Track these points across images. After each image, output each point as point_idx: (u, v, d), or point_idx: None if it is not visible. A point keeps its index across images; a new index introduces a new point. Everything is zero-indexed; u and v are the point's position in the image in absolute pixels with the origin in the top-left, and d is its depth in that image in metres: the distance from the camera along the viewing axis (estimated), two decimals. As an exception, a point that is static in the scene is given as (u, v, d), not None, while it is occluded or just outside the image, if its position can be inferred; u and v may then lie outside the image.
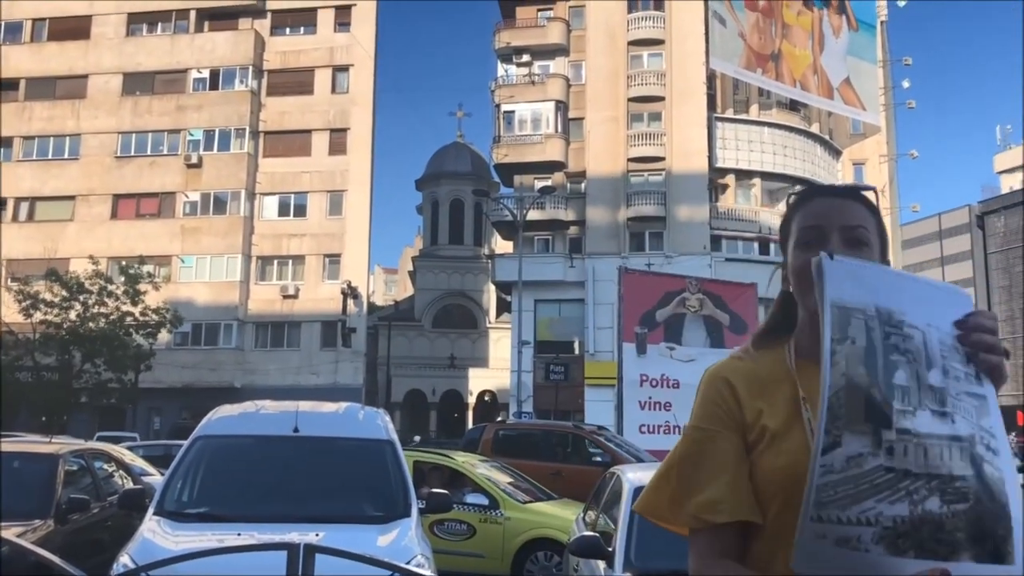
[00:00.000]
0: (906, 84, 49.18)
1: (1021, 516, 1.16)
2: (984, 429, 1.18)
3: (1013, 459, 1.19)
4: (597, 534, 5.50)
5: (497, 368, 51.51)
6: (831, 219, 1.50)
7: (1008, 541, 1.15)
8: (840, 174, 46.01)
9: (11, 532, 5.65)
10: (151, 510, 5.62)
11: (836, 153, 45.77)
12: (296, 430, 6.11)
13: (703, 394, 1.55)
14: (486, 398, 53.60)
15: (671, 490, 1.49)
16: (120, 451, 13.50)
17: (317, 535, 4.89)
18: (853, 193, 1.56)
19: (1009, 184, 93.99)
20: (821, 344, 1.21)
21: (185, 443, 6.35)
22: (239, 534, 4.97)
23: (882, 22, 49.45)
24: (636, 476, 5.79)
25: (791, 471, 1.31)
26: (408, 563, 4.87)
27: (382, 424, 6.55)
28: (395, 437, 6.42)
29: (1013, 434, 56.53)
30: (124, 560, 4.96)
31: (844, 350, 1.19)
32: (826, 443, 1.16)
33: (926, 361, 1.19)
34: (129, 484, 8.64)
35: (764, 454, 1.41)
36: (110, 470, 9.00)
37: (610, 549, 5.06)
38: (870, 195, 1.57)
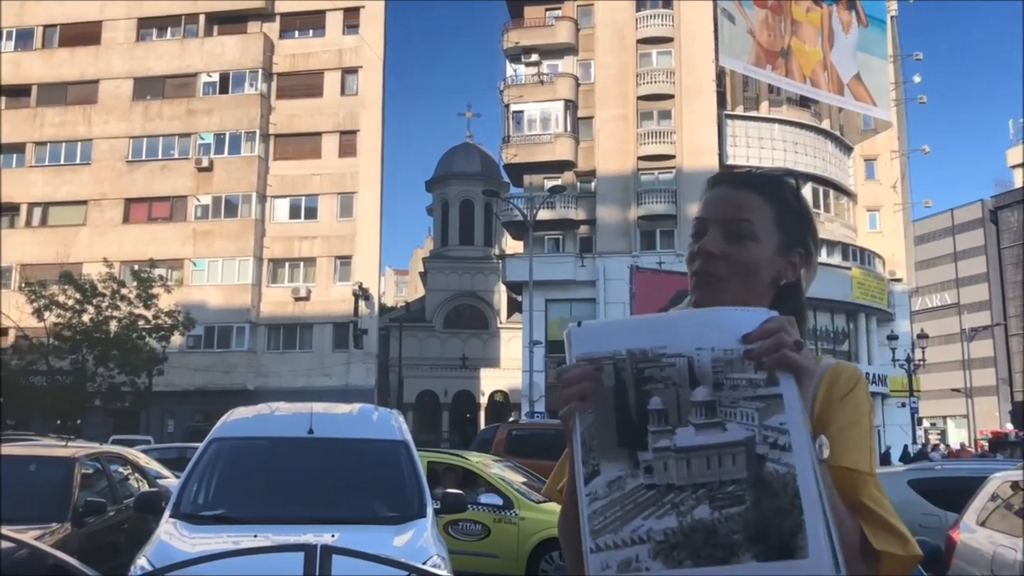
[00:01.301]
0: (917, 79, 48.91)
1: (819, 507, 1.16)
2: (770, 428, 1.19)
3: (814, 449, 1.22)
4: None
5: (509, 368, 51.50)
6: (714, 211, 1.48)
7: (798, 535, 1.15)
8: (852, 170, 45.84)
9: (29, 535, 5.68)
10: (167, 512, 5.63)
11: (847, 149, 45.60)
12: (311, 431, 6.12)
13: None
14: (498, 398, 53.60)
15: (558, 468, 1.58)
16: (135, 454, 13.56)
17: (333, 536, 4.89)
18: (752, 183, 1.52)
19: (1022, 178, 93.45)
20: None
21: (200, 445, 6.37)
22: (255, 536, 4.98)
23: (892, 17, 49.22)
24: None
25: None
26: (424, 563, 4.87)
27: (396, 425, 6.55)
28: (409, 438, 6.42)
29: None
30: (141, 563, 4.97)
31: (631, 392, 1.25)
32: (586, 473, 1.21)
33: (690, 382, 1.22)
34: (145, 487, 8.68)
35: None
36: (126, 473, 9.04)
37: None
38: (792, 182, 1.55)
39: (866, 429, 1.39)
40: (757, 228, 1.45)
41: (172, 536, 5.28)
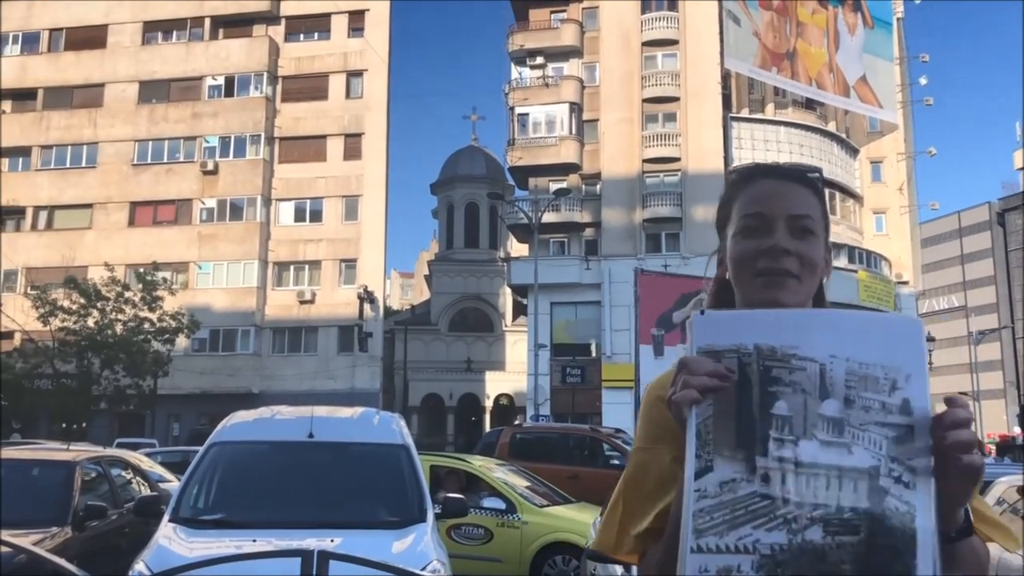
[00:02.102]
0: (923, 81, 48.76)
1: (931, 554, 1.10)
2: (897, 460, 1.13)
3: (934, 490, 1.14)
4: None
5: (514, 371, 51.47)
6: (777, 206, 1.40)
7: None
8: (858, 172, 45.71)
9: (29, 540, 5.65)
10: (166, 517, 5.61)
11: (853, 151, 45.47)
12: (311, 435, 6.09)
13: (642, 414, 1.46)
14: (503, 401, 53.56)
15: (619, 517, 1.40)
16: (138, 457, 13.56)
17: (332, 541, 4.87)
18: (800, 177, 1.45)
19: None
20: None
21: (200, 449, 6.34)
22: (254, 540, 4.95)
23: (898, 19, 49.09)
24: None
25: None
26: (424, 568, 4.83)
27: (397, 429, 6.52)
28: (410, 441, 6.39)
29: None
30: (139, 567, 4.94)
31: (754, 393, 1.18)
32: (698, 467, 1.15)
33: (820, 391, 1.16)
34: (146, 491, 8.66)
35: None
36: (128, 477, 9.02)
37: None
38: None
39: None
40: (815, 224, 1.40)
41: (171, 540, 5.25)
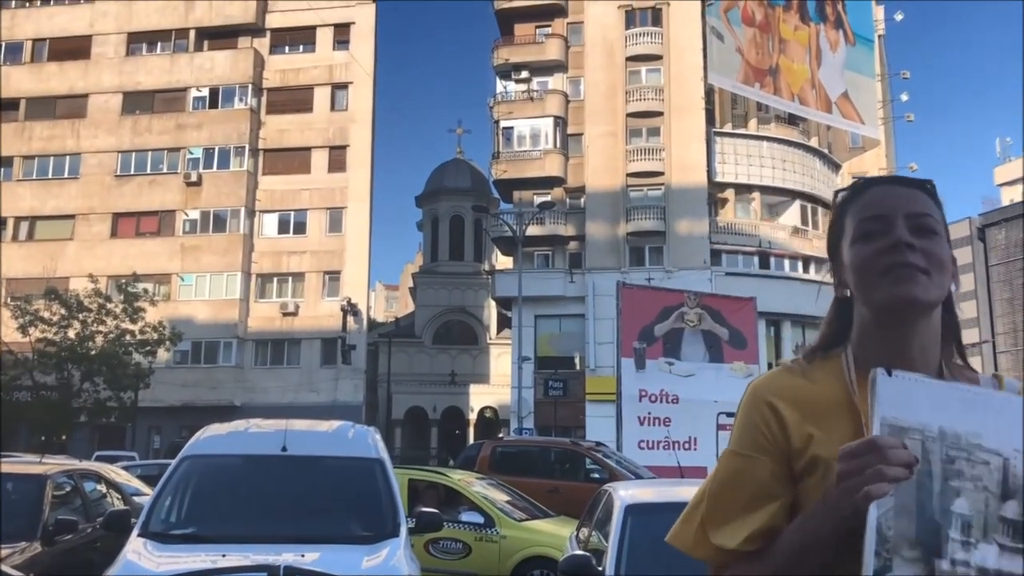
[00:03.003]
0: (904, 97, 49.30)
1: None
2: None
3: None
4: (588, 553, 5.41)
5: (498, 384, 51.36)
6: (895, 206, 1.34)
7: None
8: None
9: (-5, 554, 5.57)
10: (136, 531, 5.54)
11: (835, 167, 45.81)
12: (284, 449, 6.04)
13: (744, 416, 1.37)
14: (487, 414, 53.41)
15: (701, 518, 1.34)
16: (115, 471, 13.41)
17: (303, 556, 4.82)
18: (914, 181, 1.41)
19: (1010, 196, 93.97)
20: None
21: (172, 463, 6.28)
22: (224, 555, 4.89)
23: (879, 36, 49.60)
24: (628, 493, 5.70)
25: None
26: (395, 584, 4.79)
27: (372, 442, 6.47)
28: (385, 455, 6.34)
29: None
30: (106, 582, 4.88)
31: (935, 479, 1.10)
32: (877, 566, 1.06)
33: (1002, 490, 1.08)
34: (121, 505, 8.56)
35: (817, 486, 1.25)
36: (102, 491, 8.91)
37: (600, 568, 4.97)
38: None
39: None
40: (937, 224, 1.34)
41: (139, 555, 5.18)
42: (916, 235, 1.32)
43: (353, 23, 45.94)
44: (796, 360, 1.42)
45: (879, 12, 49.91)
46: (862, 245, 1.34)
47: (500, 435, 36.24)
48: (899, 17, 50.01)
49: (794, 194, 41.85)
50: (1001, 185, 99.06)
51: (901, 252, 1.30)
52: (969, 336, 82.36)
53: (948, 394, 1.13)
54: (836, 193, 1.49)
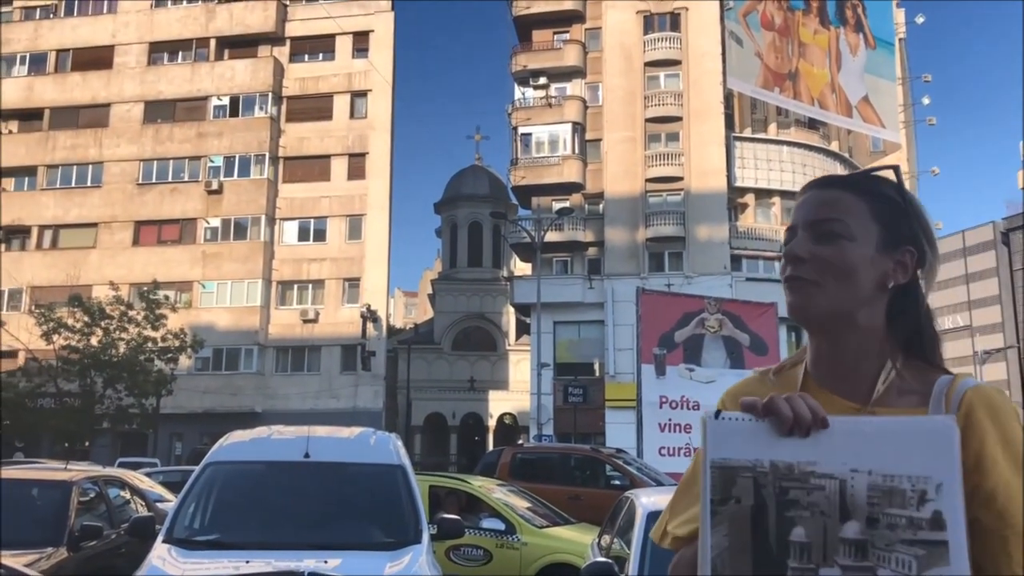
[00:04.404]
0: (926, 101, 48.96)
1: None
2: None
3: None
4: (611, 560, 5.40)
5: (517, 391, 51.32)
6: (802, 215, 1.36)
7: None
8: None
9: (22, 560, 5.63)
10: (160, 537, 5.58)
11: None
12: (307, 455, 6.06)
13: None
14: (506, 421, 53.38)
15: (667, 510, 1.41)
16: (138, 477, 13.52)
17: (327, 562, 4.84)
18: (841, 180, 1.38)
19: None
20: (701, 505, 1.14)
21: (196, 469, 6.32)
22: (247, 561, 4.92)
23: (900, 39, 49.30)
24: (650, 500, 5.69)
25: None
26: (417, 591, 4.80)
27: (393, 449, 6.49)
28: (407, 462, 6.36)
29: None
30: (131, 589, 4.91)
31: (727, 511, 1.11)
32: None
33: (840, 513, 1.08)
34: (144, 511, 8.63)
35: None
36: (125, 497, 8.99)
37: (622, 575, 4.96)
38: (888, 174, 1.40)
39: None
40: (852, 225, 1.31)
41: (164, 561, 5.22)
42: (818, 242, 1.31)
43: (372, 31, 46.19)
44: (768, 370, 1.45)
45: (900, 15, 49.62)
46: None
47: (519, 441, 36.23)
48: (920, 20, 49.76)
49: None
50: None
51: (791, 264, 1.33)
52: (993, 341, 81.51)
53: (777, 428, 1.13)
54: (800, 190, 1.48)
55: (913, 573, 1.05)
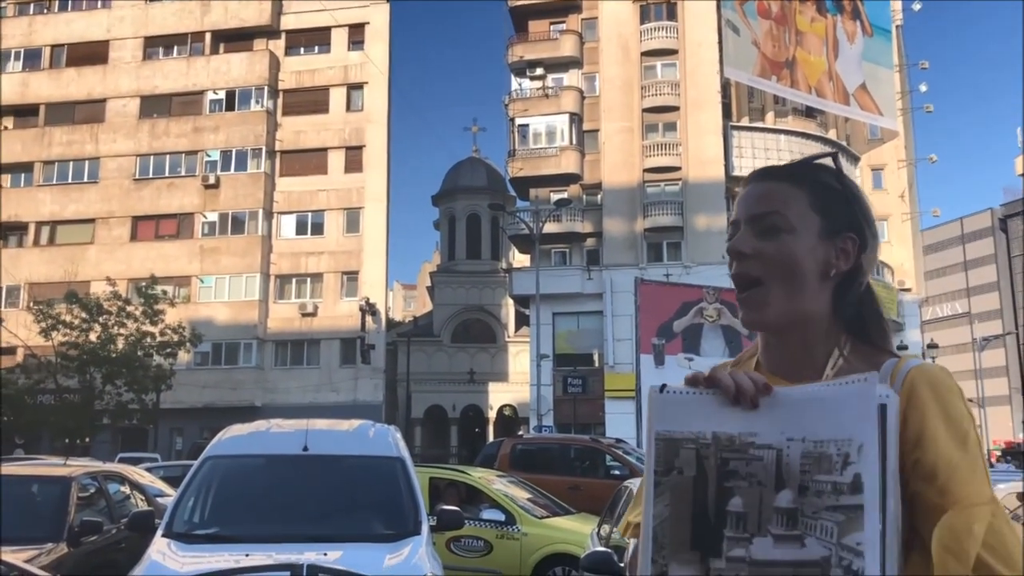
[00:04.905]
0: (923, 88, 48.82)
1: None
2: (846, 547, 1.05)
3: None
4: (609, 549, 5.41)
5: (517, 382, 51.37)
6: (743, 208, 1.35)
7: None
8: (859, 180, 45.69)
9: (22, 556, 5.63)
10: (160, 531, 5.58)
11: (854, 159, 45.48)
12: (306, 448, 6.06)
13: None
14: (506, 412, 53.44)
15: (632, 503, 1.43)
16: (139, 472, 13.51)
17: (326, 555, 4.84)
18: (778, 171, 1.38)
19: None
20: (644, 476, 1.16)
21: (195, 463, 6.32)
22: (247, 555, 4.92)
23: (897, 26, 49.16)
24: (650, 489, 5.67)
25: None
26: (417, 582, 4.80)
27: (392, 441, 6.49)
28: (406, 454, 6.35)
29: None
30: (131, 582, 4.91)
31: (670, 481, 1.13)
32: (653, 572, 1.12)
33: (775, 482, 1.10)
34: (144, 506, 8.63)
35: None
36: (125, 492, 8.99)
37: (622, 564, 4.96)
38: (827, 162, 1.39)
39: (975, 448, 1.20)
40: (792, 218, 1.31)
41: (163, 555, 5.22)
42: (761, 237, 1.31)
43: (367, 23, 46.07)
44: (727, 363, 1.45)
45: (896, 3, 49.48)
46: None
47: (520, 433, 36.28)
48: (917, 7, 49.55)
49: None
50: (1022, 175, 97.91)
51: (736, 261, 1.33)
52: (992, 328, 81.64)
53: (721, 401, 1.15)
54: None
55: (834, 540, 1.06)
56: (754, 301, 1.32)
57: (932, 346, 43.94)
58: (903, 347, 41.57)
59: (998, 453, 48.88)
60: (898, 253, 45.55)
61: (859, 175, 45.94)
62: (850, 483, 1.06)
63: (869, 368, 1.26)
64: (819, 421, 1.10)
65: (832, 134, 44.11)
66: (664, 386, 1.16)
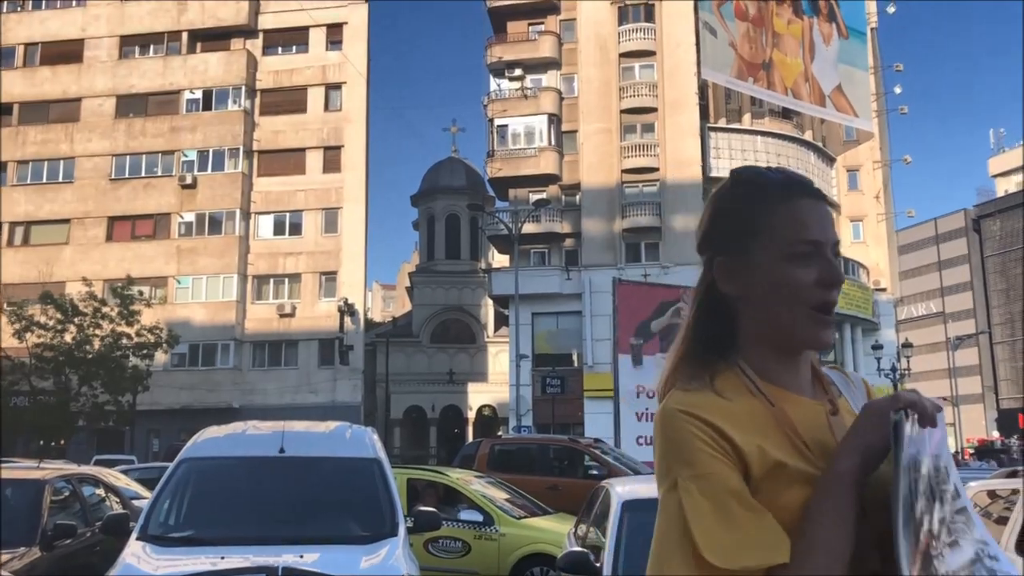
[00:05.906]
0: (898, 90, 49.35)
1: None
2: (979, 541, 1.14)
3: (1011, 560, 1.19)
4: (586, 550, 5.43)
5: (496, 383, 51.37)
6: (826, 232, 1.31)
7: None
8: (835, 181, 46.08)
9: (-5, 560, 5.58)
10: (134, 534, 5.54)
11: (830, 160, 45.86)
12: (282, 450, 6.04)
13: (685, 439, 1.22)
14: (486, 413, 53.43)
15: (694, 556, 1.16)
16: (114, 474, 13.40)
17: (302, 556, 4.83)
18: (826, 197, 1.40)
19: (1004, 187, 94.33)
20: (891, 512, 1.13)
21: (170, 466, 6.28)
22: (222, 557, 4.90)
23: (872, 29, 49.64)
24: (625, 489, 5.72)
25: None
26: (393, 583, 4.80)
27: (369, 442, 6.48)
28: (383, 455, 6.35)
29: (1015, 436, 56.45)
30: (105, 586, 4.88)
31: (919, 507, 1.14)
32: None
33: (940, 498, 1.15)
34: (120, 508, 8.56)
35: (784, 491, 1.20)
36: (100, 494, 8.91)
37: (598, 564, 4.99)
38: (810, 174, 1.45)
39: None
40: None
41: (138, 559, 5.19)
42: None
43: (346, 23, 45.92)
44: (690, 380, 1.32)
45: (871, 5, 49.96)
46: (798, 268, 1.27)
47: (499, 433, 36.27)
48: (891, 10, 50.05)
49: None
50: (996, 176, 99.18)
51: (832, 291, 1.29)
52: (965, 327, 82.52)
53: (934, 430, 1.19)
54: (738, 172, 1.39)
55: (972, 537, 1.15)
56: (831, 323, 1.31)
57: (907, 345, 44.36)
58: (878, 346, 41.97)
59: (971, 451, 49.39)
60: (873, 253, 45.98)
61: (835, 176, 46.33)
62: (954, 491, 1.15)
63: (815, 374, 1.38)
64: (938, 439, 1.18)
65: (808, 135, 44.47)
66: (906, 412, 1.17)
